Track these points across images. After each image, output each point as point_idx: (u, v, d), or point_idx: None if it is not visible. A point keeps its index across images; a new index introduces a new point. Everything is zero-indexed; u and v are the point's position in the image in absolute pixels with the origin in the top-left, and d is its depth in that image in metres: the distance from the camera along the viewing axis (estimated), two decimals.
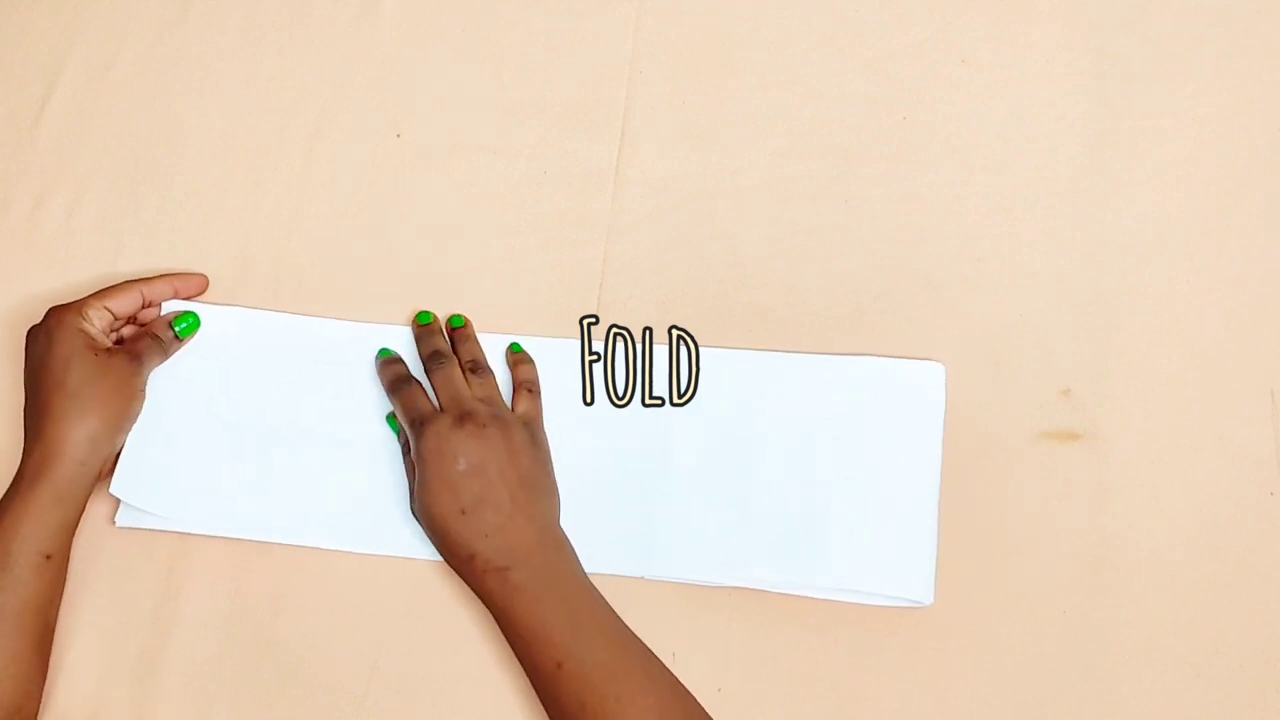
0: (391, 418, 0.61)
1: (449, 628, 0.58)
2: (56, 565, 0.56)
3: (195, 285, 0.64)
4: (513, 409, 0.60)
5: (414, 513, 0.58)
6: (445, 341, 0.62)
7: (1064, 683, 0.57)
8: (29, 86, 0.70)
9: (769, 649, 0.58)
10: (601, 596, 0.55)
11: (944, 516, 0.58)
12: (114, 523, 0.60)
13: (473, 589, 0.56)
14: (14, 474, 0.57)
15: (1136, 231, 0.64)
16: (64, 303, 0.60)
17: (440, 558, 0.58)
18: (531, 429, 0.59)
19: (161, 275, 0.64)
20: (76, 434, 0.57)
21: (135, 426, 0.60)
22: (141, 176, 0.68)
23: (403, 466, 0.60)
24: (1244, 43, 0.68)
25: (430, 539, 0.58)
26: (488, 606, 0.55)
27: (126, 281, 0.62)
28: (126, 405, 0.59)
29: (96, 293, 0.61)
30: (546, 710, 0.54)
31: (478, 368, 0.61)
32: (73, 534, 0.57)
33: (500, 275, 0.65)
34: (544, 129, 0.68)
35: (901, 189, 0.66)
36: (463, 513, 0.55)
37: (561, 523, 0.58)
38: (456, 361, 0.61)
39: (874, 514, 0.58)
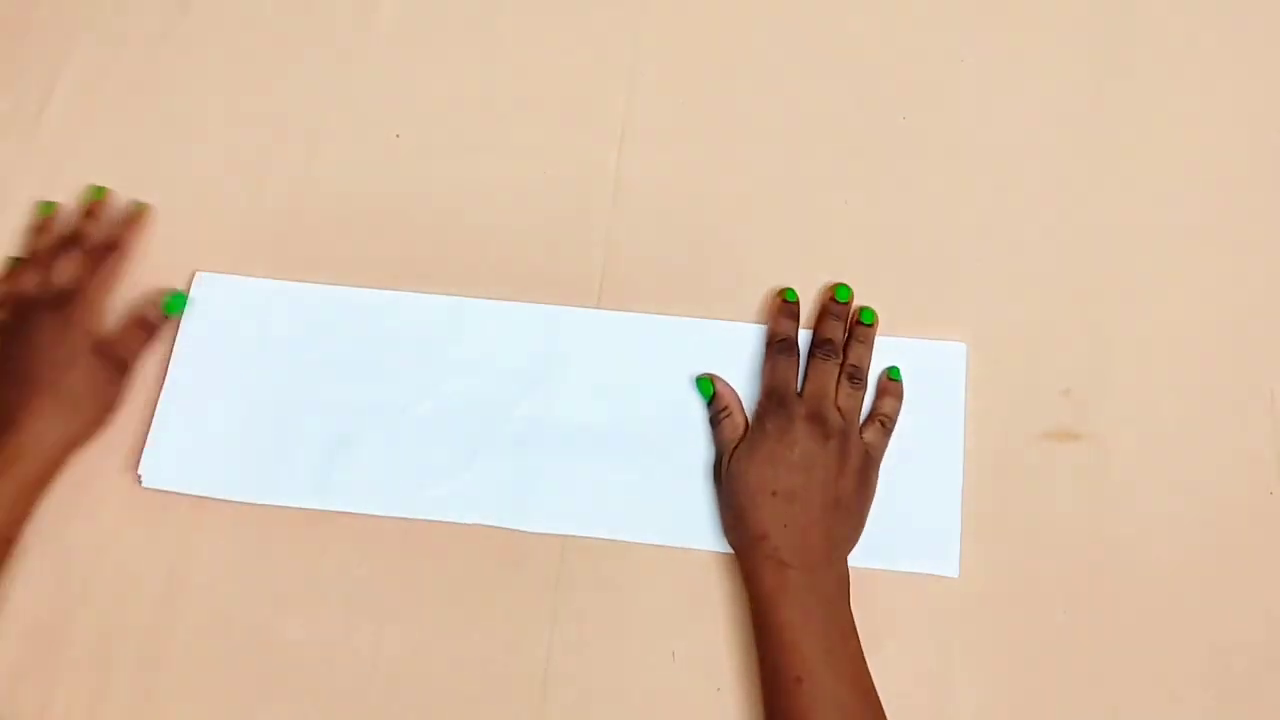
0: (703, 380, 0.61)
1: (449, 627, 0.58)
2: (11, 545, 0.56)
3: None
4: (861, 431, 0.59)
5: (724, 471, 0.58)
6: (844, 332, 0.61)
7: (1064, 681, 0.57)
8: (29, 86, 0.70)
9: None
10: (860, 645, 0.54)
11: None
12: (139, 482, 0.60)
13: (744, 571, 0.56)
14: None
15: (1136, 231, 0.64)
16: (57, 296, 0.61)
17: (722, 541, 0.58)
18: (869, 461, 0.58)
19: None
20: (58, 437, 0.57)
21: (159, 408, 0.61)
22: (141, 176, 0.68)
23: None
24: (1244, 42, 0.68)
25: (726, 505, 0.58)
26: (750, 593, 0.56)
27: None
28: (112, 412, 0.60)
29: (79, 285, 0.61)
30: None
31: (857, 379, 0.60)
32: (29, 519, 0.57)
33: (500, 275, 0.65)
34: (544, 129, 0.68)
35: (901, 189, 0.66)
36: (774, 494, 0.55)
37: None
38: (841, 361, 0.60)
39: (901, 490, 0.59)
